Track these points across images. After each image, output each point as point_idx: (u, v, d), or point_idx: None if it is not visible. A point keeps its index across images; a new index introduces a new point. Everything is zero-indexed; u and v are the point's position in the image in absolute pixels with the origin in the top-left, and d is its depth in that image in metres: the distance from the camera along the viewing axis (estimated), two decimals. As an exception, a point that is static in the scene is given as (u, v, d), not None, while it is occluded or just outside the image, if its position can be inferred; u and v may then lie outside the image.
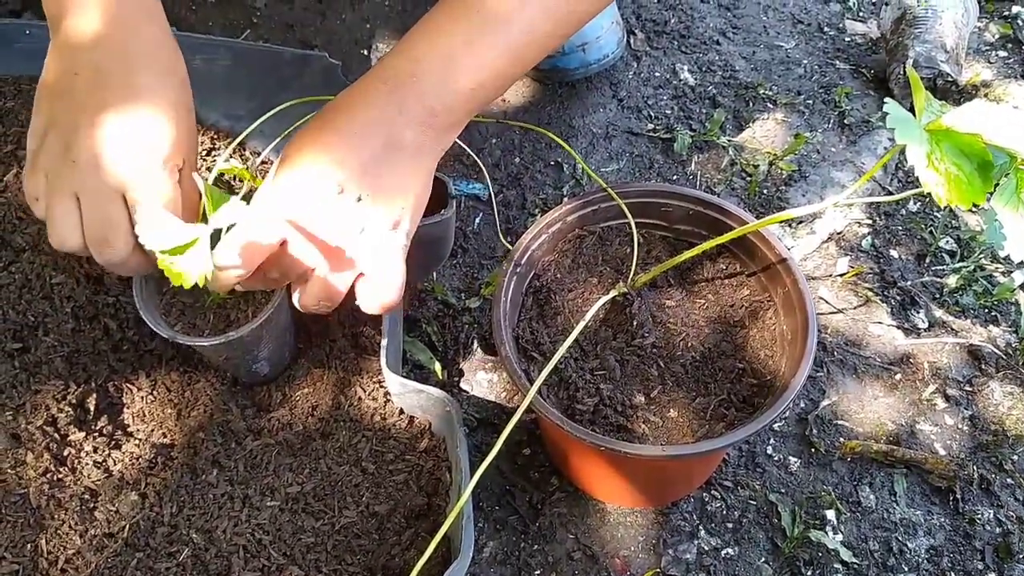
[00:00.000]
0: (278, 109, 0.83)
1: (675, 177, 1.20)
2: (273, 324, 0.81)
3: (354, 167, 0.68)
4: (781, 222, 1.05)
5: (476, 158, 1.01)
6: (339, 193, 0.68)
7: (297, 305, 0.75)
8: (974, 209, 0.84)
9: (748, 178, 1.20)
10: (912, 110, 0.62)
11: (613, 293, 0.83)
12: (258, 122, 0.81)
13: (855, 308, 1.09)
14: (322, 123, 0.70)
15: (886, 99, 0.61)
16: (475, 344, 1.04)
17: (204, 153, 1.04)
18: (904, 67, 1.25)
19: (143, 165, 0.69)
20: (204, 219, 0.68)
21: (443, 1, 0.72)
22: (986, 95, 1.33)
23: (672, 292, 0.86)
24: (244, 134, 0.82)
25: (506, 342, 0.79)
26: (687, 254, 0.79)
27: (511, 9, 0.69)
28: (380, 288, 0.72)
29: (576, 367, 0.81)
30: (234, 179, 1.02)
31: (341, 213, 0.68)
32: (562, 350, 0.72)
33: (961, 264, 1.12)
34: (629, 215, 0.85)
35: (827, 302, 1.09)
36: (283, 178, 0.69)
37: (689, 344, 0.83)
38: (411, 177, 0.71)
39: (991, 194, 0.61)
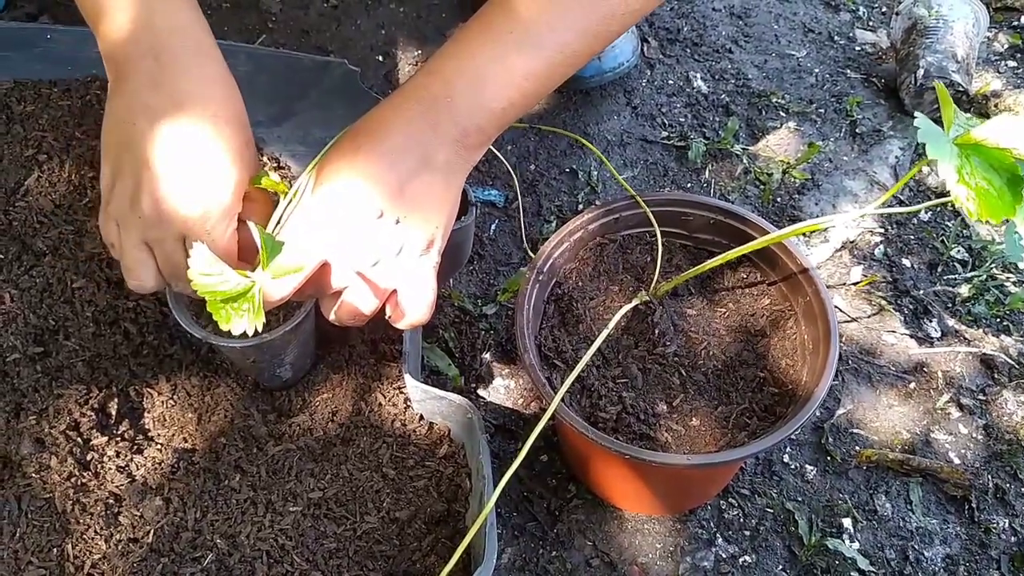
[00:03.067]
0: (337, 138, 0.83)
1: (689, 185, 1.21)
2: (302, 329, 0.81)
3: (392, 190, 0.69)
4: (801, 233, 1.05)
5: (507, 164, 1.01)
6: (378, 217, 0.69)
7: (330, 318, 0.75)
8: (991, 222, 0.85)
9: (762, 186, 1.21)
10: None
11: (636, 301, 0.83)
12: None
13: (869, 317, 1.09)
14: (356, 145, 0.70)
15: (916, 113, 0.62)
16: (491, 350, 1.04)
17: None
18: (915, 77, 1.26)
19: (199, 216, 0.70)
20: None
21: (474, 20, 0.72)
22: (996, 105, 1.34)
23: (693, 301, 0.87)
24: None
25: (529, 350, 0.79)
26: (712, 263, 0.80)
27: (543, 30, 0.70)
28: (413, 306, 0.73)
29: (598, 375, 0.82)
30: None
31: (381, 236, 0.69)
32: (586, 358, 0.73)
33: (973, 273, 1.13)
34: (655, 224, 0.85)
35: (841, 311, 1.10)
36: (322, 203, 0.69)
37: (711, 353, 0.84)
38: (444, 195, 0.72)
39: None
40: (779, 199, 1.20)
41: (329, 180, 0.69)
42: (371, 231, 0.69)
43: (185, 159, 0.69)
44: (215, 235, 0.71)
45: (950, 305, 1.10)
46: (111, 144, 0.73)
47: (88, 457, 0.82)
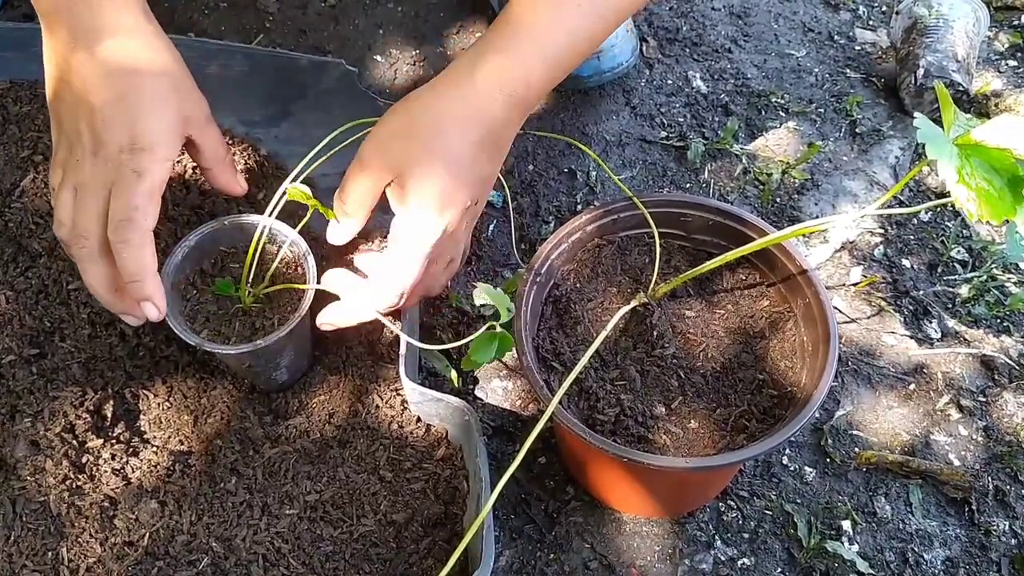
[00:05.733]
0: (331, 135, 0.86)
1: (688, 185, 1.20)
2: (297, 333, 0.81)
3: (475, 180, 0.76)
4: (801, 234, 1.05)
5: (503, 165, 1.00)
6: (465, 208, 0.77)
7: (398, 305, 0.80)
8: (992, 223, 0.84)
9: (761, 186, 1.21)
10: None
11: (634, 303, 0.83)
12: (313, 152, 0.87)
13: (868, 318, 1.09)
14: (431, 149, 0.74)
15: (916, 113, 0.61)
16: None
17: (219, 159, 1.03)
18: (915, 76, 1.25)
19: (128, 145, 0.73)
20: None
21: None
22: (996, 105, 1.33)
23: (692, 302, 0.86)
24: (303, 163, 0.86)
25: (527, 352, 0.79)
26: (710, 264, 0.79)
27: None
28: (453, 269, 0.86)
29: (596, 377, 0.81)
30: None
31: (464, 223, 0.79)
32: (584, 360, 0.72)
33: (973, 274, 1.12)
34: (653, 225, 0.85)
35: (841, 312, 1.09)
36: (418, 217, 0.75)
37: (709, 355, 0.83)
38: (500, 159, 0.79)
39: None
40: (778, 199, 1.19)
41: (419, 191, 0.74)
42: (461, 223, 0.77)
43: (116, 95, 0.72)
44: (145, 176, 0.72)
45: (950, 306, 1.10)
46: (51, 100, 0.77)
47: (83, 460, 0.82)
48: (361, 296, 0.78)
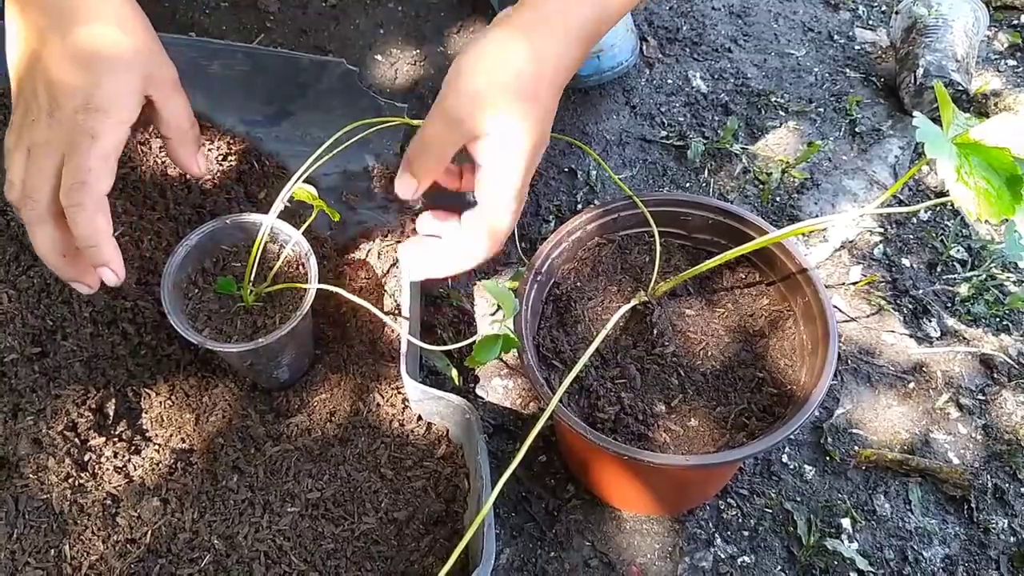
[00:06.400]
0: (334, 137, 0.84)
1: (688, 184, 1.20)
2: (298, 331, 0.81)
3: (546, 123, 0.77)
4: (800, 233, 1.05)
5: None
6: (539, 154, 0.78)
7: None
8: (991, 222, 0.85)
9: (761, 186, 1.21)
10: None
11: (634, 302, 0.83)
12: (317, 152, 0.82)
13: (868, 317, 1.09)
14: (515, 92, 0.73)
15: (915, 112, 0.61)
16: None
17: (220, 158, 1.04)
18: (914, 76, 1.26)
19: (83, 106, 0.70)
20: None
21: None
22: (995, 104, 1.34)
23: (692, 301, 0.86)
24: (307, 164, 0.84)
25: (527, 350, 0.79)
26: (710, 263, 0.80)
27: None
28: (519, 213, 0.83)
29: (597, 375, 0.82)
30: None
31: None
32: (584, 358, 0.73)
33: (972, 273, 1.13)
34: (653, 224, 0.85)
35: (840, 310, 1.09)
36: (509, 161, 0.75)
37: (709, 353, 0.83)
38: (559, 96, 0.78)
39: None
40: (778, 199, 1.20)
41: (510, 135, 0.74)
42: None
43: (74, 57, 0.70)
44: (100, 138, 0.70)
45: (949, 305, 1.10)
46: (13, 67, 0.75)
47: (86, 458, 0.82)
48: (462, 247, 0.77)
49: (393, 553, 0.82)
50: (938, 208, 1.19)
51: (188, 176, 0.98)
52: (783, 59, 1.37)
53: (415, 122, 0.91)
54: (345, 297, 0.81)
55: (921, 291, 1.11)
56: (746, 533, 0.93)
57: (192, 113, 0.79)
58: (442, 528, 0.85)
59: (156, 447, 0.85)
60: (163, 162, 1.00)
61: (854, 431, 1.00)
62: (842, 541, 0.92)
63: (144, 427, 0.87)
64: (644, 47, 1.34)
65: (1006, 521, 0.94)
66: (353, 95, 1.06)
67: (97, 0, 0.74)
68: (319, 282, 0.81)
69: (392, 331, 0.94)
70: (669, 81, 1.32)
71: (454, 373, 1.00)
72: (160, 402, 0.88)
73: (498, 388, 1.02)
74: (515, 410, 1.00)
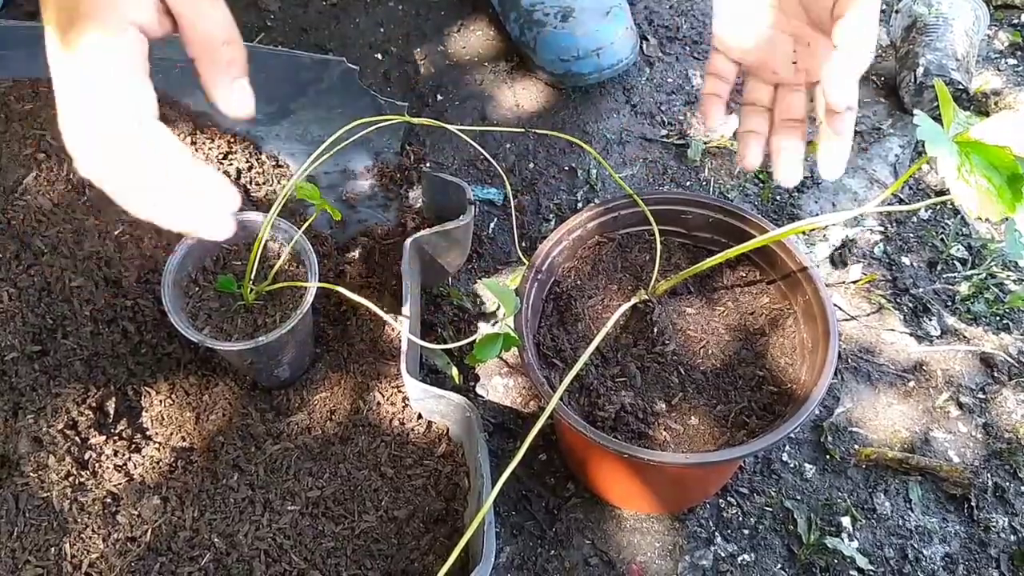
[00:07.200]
0: (335, 136, 0.84)
1: (688, 183, 1.20)
2: (299, 329, 0.81)
3: None
4: (801, 232, 1.05)
5: (495, 165, 1.01)
6: None
7: None
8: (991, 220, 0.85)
9: (761, 184, 1.21)
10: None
11: (634, 300, 0.83)
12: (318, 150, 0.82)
13: (868, 315, 1.09)
14: None
15: (915, 111, 0.61)
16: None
17: (221, 157, 1.04)
18: (915, 75, 1.26)
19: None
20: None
21: None
22: (996, 103, 1.34)
23: (692, 299, 0.86)
24: (308, 162, 0.83)
25: (528, 348, 0.79)
26: (710, 261, 0.80)
27: None
28: None
29: (597, 374, 0.82)
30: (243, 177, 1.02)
31: None
32: (584, 357, 0.73)
33: (973, 272, 1.13)
34: (654, 223, 0.85)
35: (840, 309, 1.09)
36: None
37: (709, 352, 0.83)
38: None
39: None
40: (778, 197, 1.20)
41: None
42: None
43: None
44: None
45: (949, 303, 1.10)
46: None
47: (86, 456, 0.82)
48: (854, 54, 0.70)
49: (393, 551, 0.82)
50: (938, 207, 1.19)
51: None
52: (783, 58, 1.37)
53: (415, 120, 0.91)
54: (345, 295, 0.81)
55: (921, 290, 1.11)
56: (746, 531, 0.93)
57: (232, 29, 0.62)
58: (442, 526, 0.85)
59: (156, 445, 0.85)
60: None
61: (854, 429, 1.00)
62: (842, 539, 0.92)
63: (144, 425, 0.87)
64: (644, 46, 1.34)
65: (1006, 519, 0.94)
66: (353, 94, 1.06)
67: None
68: (319, 281, 0.81)
69: (392, 329, 0.94)
70: (669, 80, 1.32)
71: (454, 371, 1.00)
72: (160, 400, 0.88)
73: (498, 386, 1.02)
74: (515, 408, 1.00)
